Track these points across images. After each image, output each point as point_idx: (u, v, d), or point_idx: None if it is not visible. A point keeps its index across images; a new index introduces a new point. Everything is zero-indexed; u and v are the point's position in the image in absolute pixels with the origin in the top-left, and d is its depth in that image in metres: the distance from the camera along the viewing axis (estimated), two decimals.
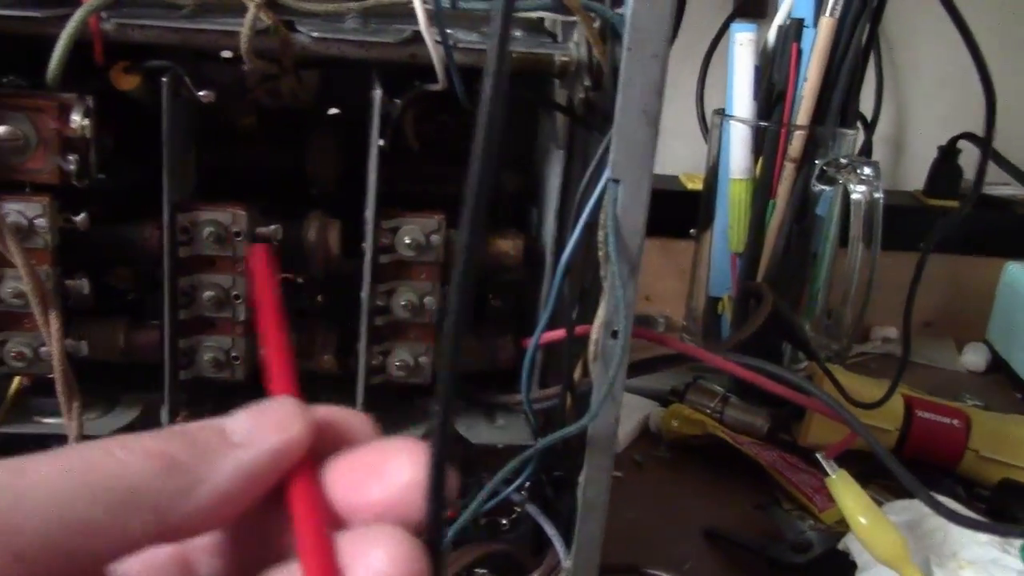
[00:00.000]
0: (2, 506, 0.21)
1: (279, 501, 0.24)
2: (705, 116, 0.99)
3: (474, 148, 0.28)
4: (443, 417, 0.25)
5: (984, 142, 0.77)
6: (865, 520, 0.52)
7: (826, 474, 0.55)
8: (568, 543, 0.49)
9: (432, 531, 0.24)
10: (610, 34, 0.43)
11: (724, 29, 1.01)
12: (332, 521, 0.24)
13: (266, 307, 0.28)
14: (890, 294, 0.80)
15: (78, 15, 0.40)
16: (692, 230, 0.89)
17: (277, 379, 0.26)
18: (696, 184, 0.95)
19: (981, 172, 0.76)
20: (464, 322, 0.32)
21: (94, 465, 0.22)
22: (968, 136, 0.98)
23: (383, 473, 0.24)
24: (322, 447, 0.25)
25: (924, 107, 1.07)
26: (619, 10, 0.42)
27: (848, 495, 0.53)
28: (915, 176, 1.07)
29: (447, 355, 0.24)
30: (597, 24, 0.43)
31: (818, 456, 0.55)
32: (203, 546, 0.26)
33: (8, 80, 0.43)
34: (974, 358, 0.94)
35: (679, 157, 1.02)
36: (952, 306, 1.00)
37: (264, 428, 0.24)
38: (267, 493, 0.24)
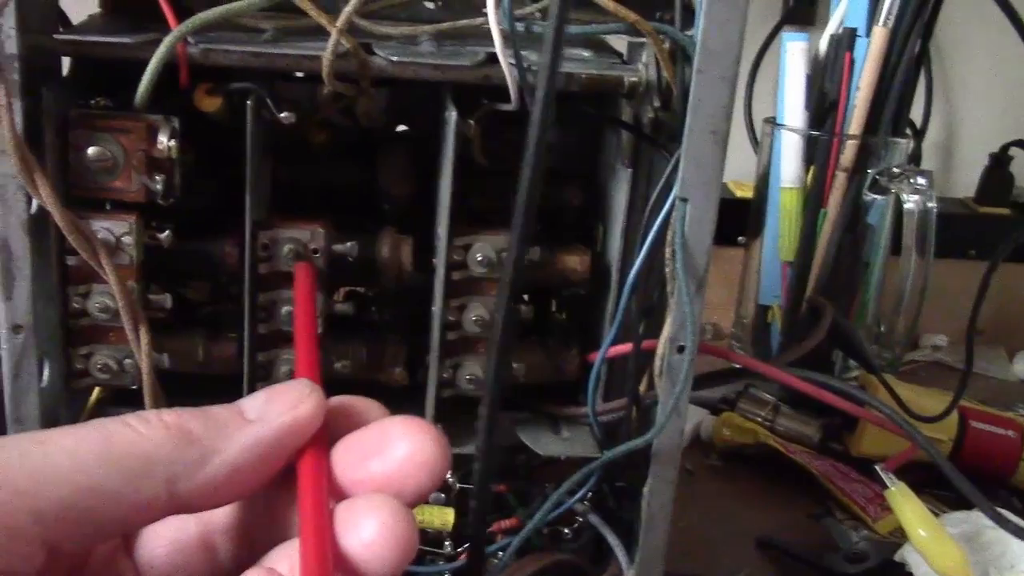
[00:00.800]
0: (23, 470, 0.22)
1: (293, 483, 0.25)
2: (753, 124, 0.99)
3: (523, 165, 0.29)
4: (488, 424, 0.26)
5: None
6: (925, 533, 0.53)
7: (885, 486, 0.55)
8: (630, 552, 0.50)
9: (476, 535, 0.25)
10: (680, 56, 0.44)
11: (771, 38, 1.01)
12: (337, 494, 0.25)
13: (303, 314, 0.30)
14: (940, 302, 0.80)
15: (167, 41, 0.41)
16: (741, 238, 0.89)
17: (301, 370, 0.28)
18: (745, 192, 0.96)
19: None
20: (510, 333, 0.33)
21: (111, 435, 0.23)
22: (1020, 143, 0.97)
23: (383, 449, 0.25)
24: (335, 429, 0.26)
25: (974, 114, 1.06)
26: (689, 32, 0.43)
27: (908, 507, 0.54)
28: (965, 183, 1.06)
29: (491, 367, 0.25)
30: (667, 45, 0.44)
31: (877, 468, 0.55)
32: (223, 528, 0.27)
33: (97, 102, 0.44)
34: None
35: (727, 165, 1.03)
36: (1004, 315, 1.00)
37: (276, 406, 0.25)
38: (280, 471, 0.25)
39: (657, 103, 0.46)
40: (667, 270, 0.46)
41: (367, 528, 0.23)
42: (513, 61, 0.43)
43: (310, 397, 0.25)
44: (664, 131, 0.46)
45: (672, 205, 0.45)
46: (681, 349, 0.46)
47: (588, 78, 0.46)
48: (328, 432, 0.26)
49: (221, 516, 0.27)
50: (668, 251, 0.45)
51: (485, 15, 0.43)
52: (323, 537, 0.23)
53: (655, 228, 0.45)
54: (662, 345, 0.46)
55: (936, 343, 0.97)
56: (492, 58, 0.44)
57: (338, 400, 0.27)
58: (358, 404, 0.27)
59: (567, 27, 0.45)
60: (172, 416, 0.24)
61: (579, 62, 0.47)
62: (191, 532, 0.27)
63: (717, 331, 0.97)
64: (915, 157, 0.99)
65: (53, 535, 0.22)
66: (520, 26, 0.44)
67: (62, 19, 0.49)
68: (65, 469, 0.22)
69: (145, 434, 0.23)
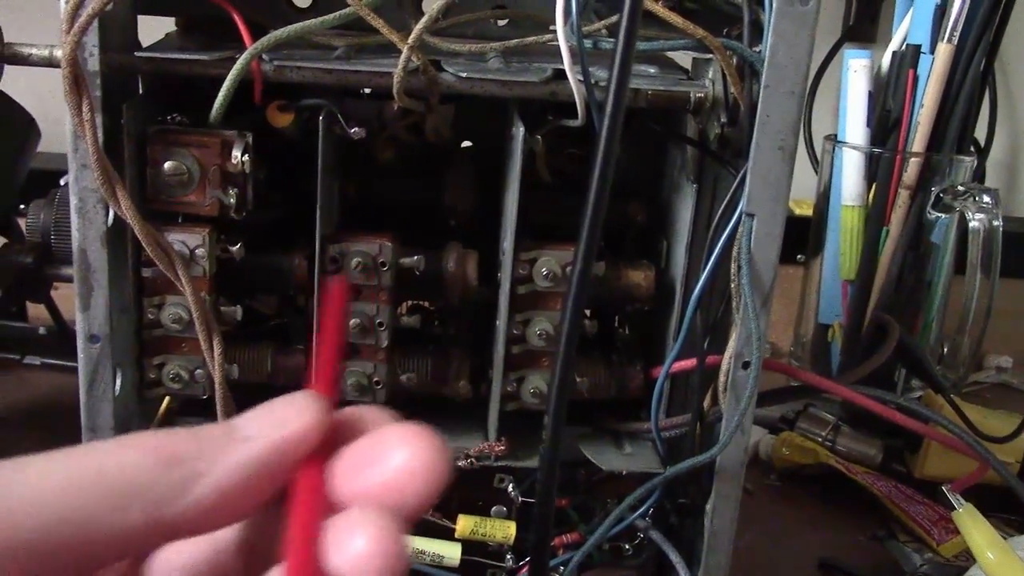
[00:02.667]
0: (15, 487, 0.21)
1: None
2: (813, 141, 0.99)
3: (591, 180, 0.29)
4: (552, 438, 0.26)
5: None
6: (993, 556, 0.52)
7: (951, 508, 0.55)
8: (691, 570, 0.50)
9: (538, 548, 0.25)
10: (748, 72, 0.44)
11: (832, 54, 1.00)
12: (331, 509, 0.24)
13: (330, 327, 0.29)
14: (1004, 322, 0.79)
15: (243, 59, 0.42)
16: (800, 256, 0.89)
17: (318, 380, 0.27)
18: (804, 209, 0.95)
19: None
20: (574, 346, 0.33)
21: (93, 460, 0.22)
22: None
23: (379, 459, 0.24)
24: (343, 441, 0.25)
25: None
26: (757, 48, 0.43)
27: (976, 529, 0.53)
28: None
29: (555, 379, 0.25)
30: (735, 61, 0.44)
31: (944, 489, 0.54)
32: (234, 548, 0.26)
33: (174, 118, 0.46)
34: None
35: None
36: None
37: (271, 423, 0.24)
38: (282, 488, 0.24)
39: (723, 119, 0.46)
40: (732, 286, 0.46)
41: (356, 544, 0.22)
42: (581, 77, 0.43)
43: (307, 412, 0.24)
44: (730, 147, 0.46)
45: (738, 220, 0.45)
46: (746, 365, 0.46)
47: (654, 94, 0.46)
48: (332, 445, 0.25)
49: (231, 535, 0.26)
50: (734, 267, 0.45)
51: (553, 32, 0.43)
52: (307, 555, 0.22)
53: (720, 244, 0.45)
54: (727, 361, 0.46)
55: (1001, 364, 0.95)
56: (559, 74, 0.44)
57: (348, 411, 0.26)
58: (367, 414, 0.26)
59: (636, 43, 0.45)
60: (159, 438, 0.23)
61: (646, 78, 0.47)
62: (201, 555, 0.26)
63: (775, 350, 0.96)
64: (979, 176, 0.98)
65: (32, 566, 0.21)
66: (588, 42, 0.45)
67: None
68: (42, 496, 0.21)
69: (127, 458, 0.22)
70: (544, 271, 0.47)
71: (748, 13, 0.44)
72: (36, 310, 0.80)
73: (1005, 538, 0.62)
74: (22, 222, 0.63)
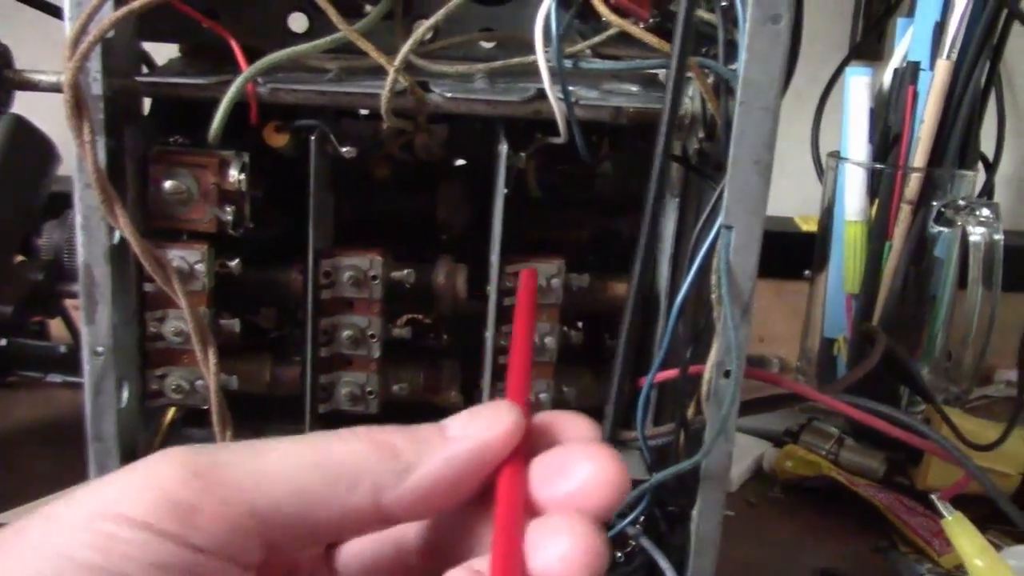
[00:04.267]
0: (244, 470, 0.24)
1: (488, 502, 0.27)
2: (820, 158, 1.00)
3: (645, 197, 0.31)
4: None
5: None
6: (982, 563, 0.52)
7: (942, 516, 0.55)
8: (680, 575, 0.51)
9: None
10: (723, 89, 0.45)
11: (839, 72, 1.01)
12: (532, 510, 0.26)
13: (520, 335, 0.31)
14: (1014, 336, 0.79)
15: (238, 82, 0.45)
16: (806, 271, 0.90)
17: (510, 389, 0.30)
18: (810, 226, 0.96)
19: None
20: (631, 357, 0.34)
21: (323, 446, 0.26)
22: None
23: (568, 470, 0.26)
24: (537, 447, 0.27)
25: None
26: (732, 66, 0.45)
27: (964, 537, 0.53)
28: None
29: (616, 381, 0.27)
30: (711, 79, 0.46)
31: (933, 498, 0.55)
32: (418, 547, 0.29)
33: (174, 140, 0.48)
34: None
35: (793, 199, 1.03)
36: None
37: (475, 425, 0.27)
38: (478, 488, 0.27)
39: (702, 135, 0.47)
40: (713, 296, 0.47)
41: (560, 544, 0.24)
42: (561, 96, 0.45)
43: (508, 416, 0.27)
44: (710, 162, 0.48)
45: (717, 233, 0.46)
46: (727, 374, 0.47)
47: (636, 111, 0.47)
48: (529, 449, 0.27)
49: (415, 534, 0.29)
50: (714, 278, 0.47)
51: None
52: (514, 546, 0.25)
53: (701, 255, 0.46)
54: (709, 370, 0.47)
55: (1010, 378, 0.95)
56: (542, 93, 0.46)
57: (544, 416, 0.29)
58: (559, 421, 0.29)
59: (612, 63, 0.47)
60: (379, 432, 0.26)
61: (627, 96, 0.49)
62: (388, 551, 0.29)
63: (784, 364, 0.97)
64: (988, 190, 0.98)
65: (268, 532, 0.24)
66: (569, 63, 0.46)
67: (147, 62, 0.53)
68: (280, 473, 0.25)
69: (353, 447, 0.26)
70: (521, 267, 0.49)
71: (723, 33, 0.45)
72: (58, 330, 0.82)
73: (1000, 548, 0.63)
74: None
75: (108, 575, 0.23)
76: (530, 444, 0.27)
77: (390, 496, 0.25)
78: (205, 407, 0.50)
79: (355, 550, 0.29)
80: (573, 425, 0.28)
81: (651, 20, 0.46)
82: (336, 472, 0.25)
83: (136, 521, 0.23)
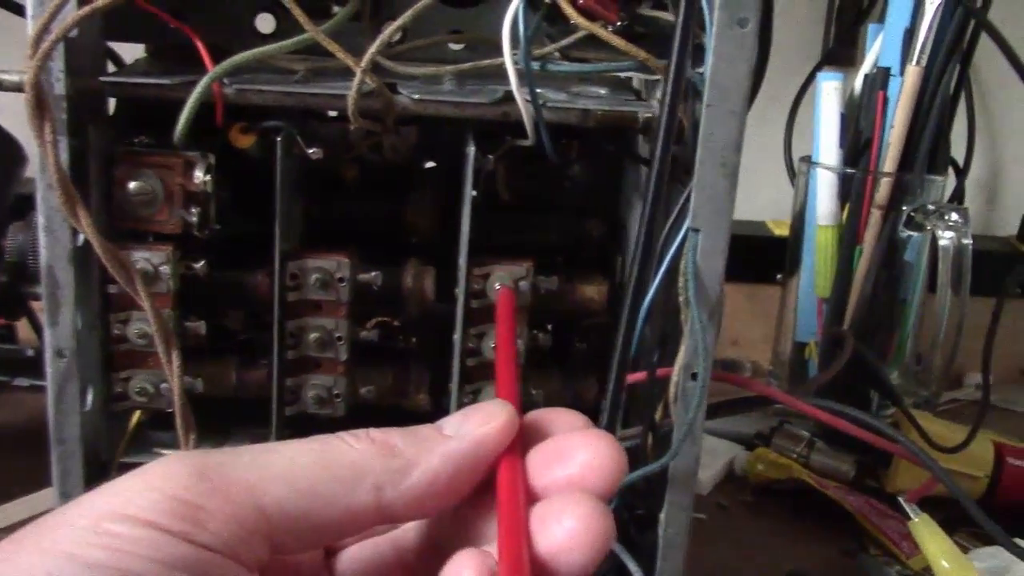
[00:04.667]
0: (249, 471, 0.25)
1: (485, 499, 0.28)
2: (792, 163, 1.00)
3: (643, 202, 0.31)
4: None
5: None
6: (947, 564, 0.53)
7: (909, 518, 0.56)
8: None
9: None
10: (691, 92, 0.45)
11: (811, 77, 1.02)
12: (532, 498, 0.27)
13: (504, 339, 0.33)
14: (983, 340, 0.80)
15: (203, 82, 0.44)
16: (779, 275, 0.90)
17: (500, 388, 0.32)
18: (783, 230, 0.96)
19: None
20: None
21: (326, 447, 0.26)
22: None
23: (566, 456, 0.27)
24: (530, 442, 0.29)
25: (1018, 152, 1.06)
26: (699, 70, 0.45)
27: (930, 539, 0.54)
28: (1010, 221, 1.05)
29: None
30: None
31: (900, 500, 0.55)
32: (417, 547, 0.29)
33: (139, 140, 0.47)
34: None
35: (766, 203, 1.03)
36: None
37: (470, 423, 0.28)
38: (476, 485, 0.28)
39: None
40: (680, 299, 0.47)
41: (567, 522, 0.25)
42: (528, 98, 0.45)
43: (501, 413, 0.28)
44: (678, 165, 0.48)
45: (685, 235, 0.46)
46: (695, 376, 0.47)
47: (603, 114, 0.47)
48: (523, 444, 0.28)
49: (415, 535, 0.29)
50: (681, 280, 0.47)
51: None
52: (520, 528, 0.25)
53: (668, 258, 0.46)
54: (676, 372, 0.47)
55: (979, 382, 0.95)
56: (510, 96, 0.46)
57: (537, 413, 0.30)
58: (550, 416, 0.30)
59: (580, 65, 0.47)
60: (378, 433, 0.27)
61: (595, 99, 0.49)
62: (387, 553, 0.29)
63: (756, 368, 0.97)
64: (959, 195, 0.99)
65: (273, 532, 0.25)
66: (536, 65, 0.46)
67: (115, 60, 0.52)
68: (284, 473, 0.25)
69: (355, 447, 0.26)
70: (497, 286, 0.49)
71: (691, 36, 0.45)
72: (25, 333, 0.82)
73: (968, 550, 0.63)
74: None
75: (116, 573, 0.23)
76: (524, 439, 0.28)
77: (391, 494, 0.26)
78: (171, 410, 0.49)
79: (355, 553, 0.30)
80: (564, 418, 0.29)
81: (619, 23, 0.46)
82: (339, 472, 0.26)
83: (142, 520, 0.24)
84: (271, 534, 0.25)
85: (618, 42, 0.45)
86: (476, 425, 0.28)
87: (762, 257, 0.94)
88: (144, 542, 0.23)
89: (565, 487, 0.27)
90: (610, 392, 0.45)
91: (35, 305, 0.71)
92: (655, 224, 0.45)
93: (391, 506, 0.26)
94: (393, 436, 0.27)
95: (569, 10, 0.45)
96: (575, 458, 0.27)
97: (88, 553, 0.23)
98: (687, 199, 0.46)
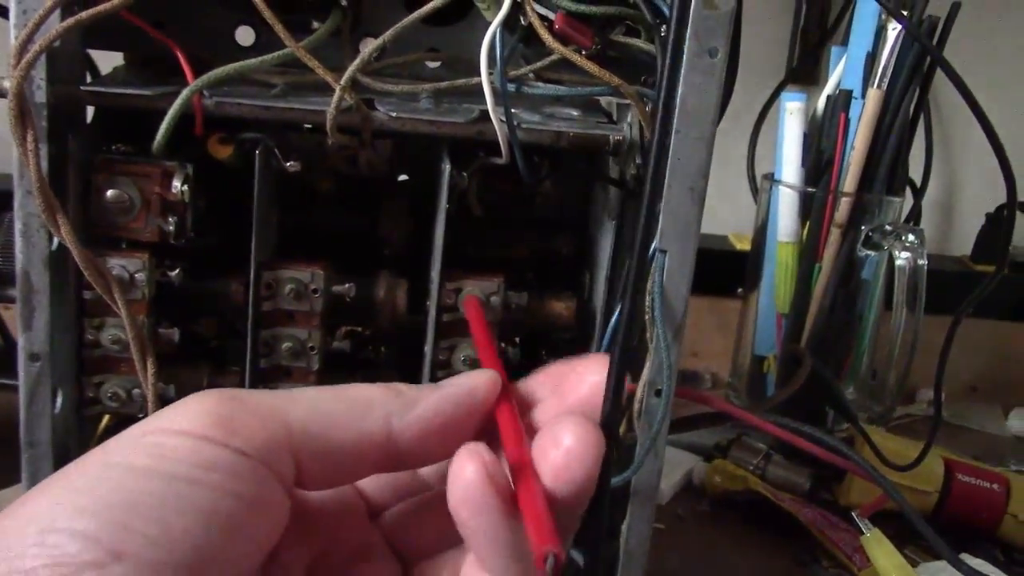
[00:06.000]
0: (274, 399, 0.29)
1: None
2: (756, 179, 1.02)
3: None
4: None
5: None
6: None
7: (861, 532, 0.57)
8: None
9: None
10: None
11: (776, 95, 1.04)
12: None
13: (480, 335, 0.39)
14: (936, 358, 0.82)
15: (184, 94, 0.45)
16: (740, 289, 0.92)
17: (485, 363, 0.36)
18: (745, 244, 0.98)
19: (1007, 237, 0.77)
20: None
21: (343, 387, 0.31)
22: (1015, 204, 0.99)
23: (563, 390, 0.33)
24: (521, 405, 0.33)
25: (974, 174, 1.09)
26: None
27: (881, 553, 0.56)
28: (965, 241, 1.09)
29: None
30: (649, 107, 0.47)
31: (853, 515, 0.57)
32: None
33: (118, 149, 0.48)
34: (1020, 423, 0.95)
35: (729, 218, 1.06)
36: (998, 371, 1.01)
37: (461, 378, 0.32)
38: (472, 434, 0.31)
39: (639, 160, 0.48)
40: (646, 317, 0.48)
41: (564, 442, 0.29)
42: (503, 118, 0.46)
43: (486, 372, 0.33)
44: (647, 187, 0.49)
45: (652, 256, 0.47)
46: (659, 392, 0.48)
47: (576, 136, 0.49)
48: (514, 399, 0.33)
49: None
50: (648, 299, 0.48)
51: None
52: (521, 439, 0.30)
53: (635, 277, 0.48)
54: (641, 388, 0.49)
55: (932, 398, 0.98)
56: (486, 115, 0.47)
57: (522, 382, 0.35)
58: (537, 379, 0.35)
59: (554, 87, 0.48)
60: (386, 383, 0.31)
61: (567, 121, 0.50)
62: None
63: (716, 380, 0.99)
64: (916, 215, 1.01)
65: (298, 449, 0.28)
66: (512, 86, 0.48)
67: (92, 70, 0.52)
68: (305, 401, 0.29)
69: (367, 387, 0.31)
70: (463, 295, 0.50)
71: (661, 63, 0.46)
72: None
73: (918, 564, 0.65)
74: None
75: (161, 476, 0.26)
76: (515, 402, 0.33)
77: (399, 424, 0.30)
78: (142, 415, 0.50)
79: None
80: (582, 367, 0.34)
81: (593, 48, 0.47)
82: (353, 402, 0.30)
83: (182, 431, 0.27)
84: (296, 452, 0.28)
85: (591, 67, 0.46)
86: (465, 378, 0.32)
87: (724, 270, 0.96)
88: (184, 448, 0.26)
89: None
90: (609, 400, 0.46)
91: (1, 307, 0.71)
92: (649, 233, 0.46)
93: (400, 436, 0.30)
94: (399, 384, 0.31)
95: (545, 35, 0.46)
96: (563, 441, 0.29)
97: (136, 460, 0.26)
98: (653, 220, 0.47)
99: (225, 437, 0.27)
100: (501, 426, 0.31)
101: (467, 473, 0.27)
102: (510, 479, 0.29)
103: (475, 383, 0.32)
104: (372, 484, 0.34)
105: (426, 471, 0.34)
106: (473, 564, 0.29)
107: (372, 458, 0.30)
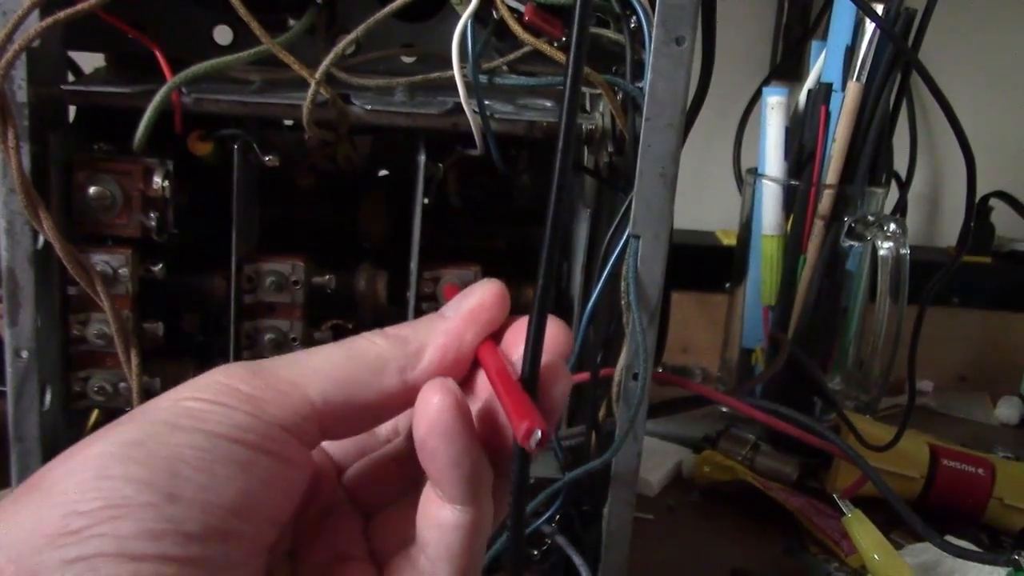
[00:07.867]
0: (292, 371, 0.30)
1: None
2: (741, 174, 1.03)
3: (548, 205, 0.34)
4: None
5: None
6: (878, 557, 0.55)
7: (843, 513, 0.58)
8: (594, 573, 0.53)
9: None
10: (631, 106, 0.48)
11: (760, 91, 1.05)
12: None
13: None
14: (923, 348, 0.82)
15: (162, 91, 0.46)
16: (728, 284, 0.93)
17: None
18: (731, 240, 0.99)
19: (965, 231, 0.77)
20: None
21: (353, 345, 0.31)
22: (999, 194, 1.00)
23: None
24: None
25: (958, 165, 1.09)
26: (639, 84, 0.47)
27: (863, 533, 0.56)
28: (950, 232, 1.09)
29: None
30: (620, 96, 0.48)
31: (836, 497, 0.58)
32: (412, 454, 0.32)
33: (99, 147, 0.49)
34: (1007, 411, 0.96)
35: (716, 213, 1.06)
36: (986, 360, 1.02)
37: (465, 300, 0.32)
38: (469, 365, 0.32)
39: (612, 149, 0.49)
40: (622, 302, 0.49)
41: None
42: (476, 110, 0.47)
43: (492, 284, 0.33)
44: (620, 174, 0.50)
45: (626, 242, 0.48)
46: (636, 376, 0.49)
47: (549, 125, 0.50)
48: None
49: (406, 444, 0.34)
50: (623, 285, 0.49)
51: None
52: (507, 371, 0.30)
53: (610, 263, 0.49)
54: (618, 373, 0.50)
55: (921, 388, 0.99)
56: (460, 107, 0.48)
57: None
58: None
59: (526, 78, 0.49)
60: (391, 329, 0.32)
61: (540, 111, 0.51)
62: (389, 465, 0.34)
63: (706, 375, 1.00)
64: (902, 207, 1.02)
65: (323, 417, 0.29)
66: (484, 78, 0.49)
67: (75, 69, 0.54)
68: (321, 371, 0.30)
69: (376, 342, 0.31)
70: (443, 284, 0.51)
71: (630, 52, 0.47)
72: None
73: (902, 546, 0.66)
74: None
75: (203, 433, 0.27)
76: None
77: (413, 374, 0.30)
78: (128, 409, 0.51)
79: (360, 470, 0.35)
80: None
81: (563, 39, 0.48)
82: (367, 363, 0.30)
83: (215, 400, 0.28)
84: (320, 420, 0.29)
85: (561, 57, 0.47)
86: (463, 299, 0.32)
87: (712, 266, 0.97)
88: (218, 413, 0.28)
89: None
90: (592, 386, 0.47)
91: None
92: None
93: (416, 383, 0.30)
94: (404, 329, 0.32)
95: (515, 27, 0.47)
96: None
97: (177, 420, 0.27)
98: (628, 207, 0.48)
99: (253, 409, 0.28)
100: (484, 364, 0.32)
101: (435, 402, 0.29)
102: (480, 402, 0.31)
103: (473, 304, 0.32)
104: (336, 444, 0.35)
105: (382, 428, 0.36)
106: (431, 499, 0.30)
107: (390, 408, 0.31)
